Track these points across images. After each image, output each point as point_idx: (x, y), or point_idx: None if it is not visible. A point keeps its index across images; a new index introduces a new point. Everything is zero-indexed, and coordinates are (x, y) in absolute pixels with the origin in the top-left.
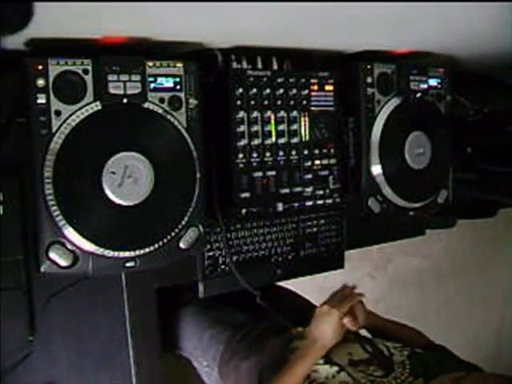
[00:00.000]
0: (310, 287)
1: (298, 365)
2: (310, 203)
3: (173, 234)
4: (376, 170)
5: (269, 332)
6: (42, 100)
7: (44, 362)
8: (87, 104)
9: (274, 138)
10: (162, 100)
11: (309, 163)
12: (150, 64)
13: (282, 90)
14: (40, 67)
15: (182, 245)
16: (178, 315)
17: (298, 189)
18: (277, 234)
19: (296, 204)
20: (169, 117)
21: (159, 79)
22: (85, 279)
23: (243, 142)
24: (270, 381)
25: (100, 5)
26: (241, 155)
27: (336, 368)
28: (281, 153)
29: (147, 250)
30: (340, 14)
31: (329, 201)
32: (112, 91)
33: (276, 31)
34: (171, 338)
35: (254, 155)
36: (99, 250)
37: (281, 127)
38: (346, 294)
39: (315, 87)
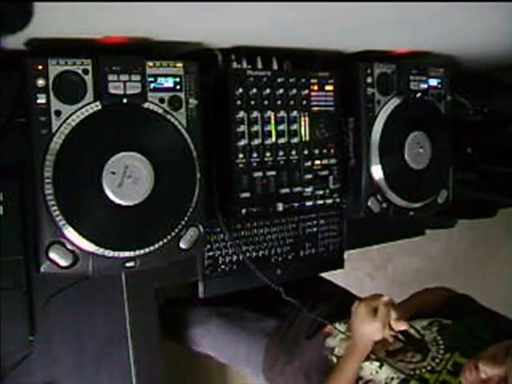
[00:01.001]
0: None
1: (348, 367)
2: (309, 203)
3: (173, 233)
4: (376, 170)
5: (304, 332)
6: (42, 100)
7: (44, 362)
8: (87, 104)
9: (274, 138)
10: (161, 100)
11: (309, 163)
12: (150, 64)
13: (282, 90)
14: (40, 67)
15: (182, 245)
16: (201, 328)
17: (298, 189)
18: (277, 234)
19: (296, 204)
20: (169, 117)
21: (159, 79)
22: (85, 279)
23: (243, 142)
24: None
25: (100, 5)
26: (241, 155)
27: (377, 363)
28: (281, 153)
29: (147, 249)
30: (340, 14)
31: (329, 201)
32: (112, 91)
33: (276, 31)
34: (186, 336)
35: (254, 155)
36: (99, 250)
37: (281, 127)
38: (388, 307)
39: (315, 87)
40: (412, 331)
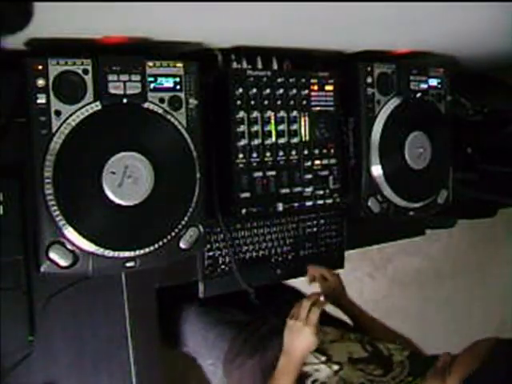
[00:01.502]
0: (310, 287)
1: (282, 381)
2: (309, 203)
3: (173, 234)
4: (376, 170)
5: (274, 331)
6: (42, 100)
7: (44, 362)
8: (87, 104)
9: (274, 138)
10: (162, 100)
11: (309, 163)
12: (150, 64)
13: (282, 90)
14: (40, 67)
15: (182, 245)
16: (182, 314)
17: (298, 189)
18: (277, 234)
19: (296, 204)
20: (169, 117)
21: (159, 79)
22: (85, 279)
23: (243, 142)
24: None
25: (100, 5)
26: (241, 155)
27: (336, 367)
28: (281, 153)
29: (147, 249)
30: (340, 13)
31: (329, 201)
32: (112, 91)
33: (276, 31)
34: (175, 336)
35: (254, 155)
36: (99, 250)
37: (281, 127)
38: (312, 303)
39: (315, 87)
40: (381, 347)
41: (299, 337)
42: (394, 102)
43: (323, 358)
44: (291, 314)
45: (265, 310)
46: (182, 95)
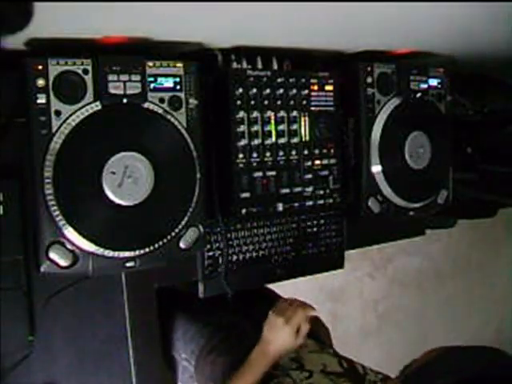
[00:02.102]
0: (310, 287)
1: (247, 372)
2: (310, 203)
3: (173, 234)
4: (376, 170)
5: (253, 332)
6: (42, 100)
7: (44, 362)
8: (87, 104)
9: (274, 138)
10: (161, 100)
11: (309, 163)
12: (150, 64)
13: (281, 90)
14: (40, 67)
15: (182, 245)
16: (168, 310)
17: (298, 189)
18: (277, 234)
19: (296, 204)
20: (169, 117)
21: (159, 79)
22: (85, 279)
23: (243, 142)
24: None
25: (100, 5)
26: (241, 155)
27: (306, 373)
28: (281, 153)
29: (147, 249)
30: (340, 14)
31: (329, 201)
32: (112, 91)
33: (276, 31)
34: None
35: (254, 155)
36: (99, 250)
37: (281, 127)
38: (297, 309)
39: (315, 87)
40: (358, 366)
41: (278, 332)
42: (393, 102)
43: (295, 366)
44: (274, 309)
45: (249, 311)
46: (182, 95)
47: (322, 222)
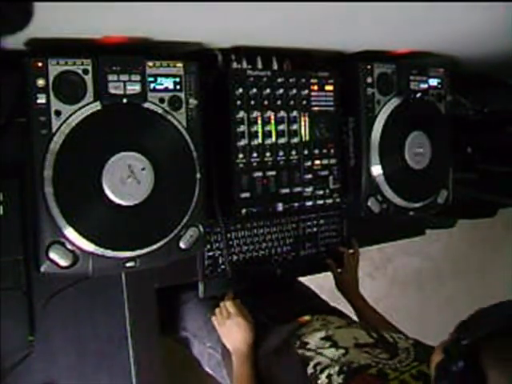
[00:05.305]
0: (310, 287)
1: (238, 371)
2: (309, 203)
3: (173, 234)
4: (376, 170)
5: (276, 320)
6: (42, 100)
7: (44, 362)
8: (87, 104)
9: (274, 138)
10: (161, 100)
11: (309, 163)
12: (150, 64)
13: (281, 90)
14: (40, 67)
15: (182, 245)
16: (181, 300)
17: (298, 189)
18: (277, 234)
19: (296, 204)
20: (169, 117)
21: (159, 79)
22: (85, 279)
23: (243, 142)
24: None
25: (100, 5)
26: (241, 155)
27: (342, 350)
28: (281, 153)
29: (147, 249)
30: (340, 14)
31: (329, 201)
32: (112, 91)
33: (276, 31)
34: (173, 322)
35: (254, 155)
36: (99, 250)
37: (281, 127)
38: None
39: (315, 87)
40: (386, 335)
41: (231, 329)
42: (394, 102)
43: (328, 344)
44: (214, 318)
45: (262, 301)
46: (182, 95)
47: (322, 222)
